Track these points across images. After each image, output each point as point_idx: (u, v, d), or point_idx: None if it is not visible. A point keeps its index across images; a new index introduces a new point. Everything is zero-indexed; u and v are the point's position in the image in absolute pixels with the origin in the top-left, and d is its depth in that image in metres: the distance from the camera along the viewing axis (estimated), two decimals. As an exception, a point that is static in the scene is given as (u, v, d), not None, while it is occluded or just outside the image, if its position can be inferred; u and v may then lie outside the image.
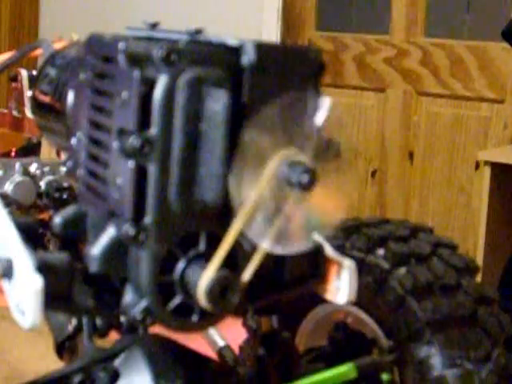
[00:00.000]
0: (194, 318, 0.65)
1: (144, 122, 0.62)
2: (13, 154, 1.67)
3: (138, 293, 0.65)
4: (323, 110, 0.63)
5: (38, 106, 0.99)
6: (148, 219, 0.63)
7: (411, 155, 3.02)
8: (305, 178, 0.60)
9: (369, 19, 3.26)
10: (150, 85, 0.62)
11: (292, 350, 1.12)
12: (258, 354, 1.06)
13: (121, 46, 0.64)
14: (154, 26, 0.72)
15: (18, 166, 1.21)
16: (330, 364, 1.10)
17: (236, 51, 0.65)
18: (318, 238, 0.66)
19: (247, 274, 0.64)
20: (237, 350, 1.31)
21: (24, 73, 1.63)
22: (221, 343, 1.34)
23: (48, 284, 0.62)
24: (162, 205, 0.63)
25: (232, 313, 0.68)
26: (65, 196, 1.18)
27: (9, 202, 1.16)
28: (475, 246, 2.56)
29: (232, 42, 0.65)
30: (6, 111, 1.70)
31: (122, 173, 0.64)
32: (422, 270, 1.18)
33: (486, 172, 2.36)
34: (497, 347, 1.15)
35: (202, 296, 0.61)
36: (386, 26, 3.08)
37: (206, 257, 0.64)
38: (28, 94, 1.60)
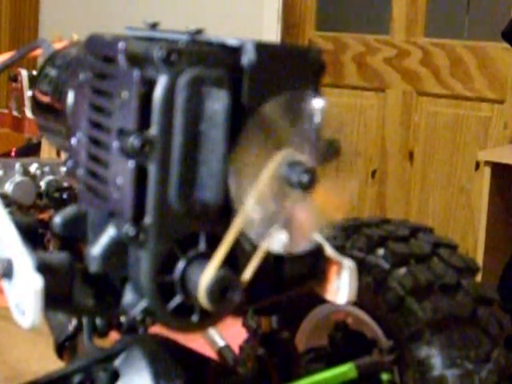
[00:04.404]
0: (194, 318, 0.65)
1: (144, 122, 0.62)
2: (13, 153, 1.67)
3: (137, 293, 0.65)
4: (323, 110, 0.63)
5: (38, 106, 0.99)
6: (148, 219, 0.63)
7: (411, 155, 3.02)
8: (305, 178, 0.60)
9: (369, 19, 3.26)
10: (150, 85, 0.62)
11: (292, 349, 1.11)
12: (258, 353, 1.06)
13: (121, 45, 0.64)
14: (153, 25, 0.72)
15: (18, 166, 1.21)
16: (330, 364, 1.10)
17: (236, 51, 0.65)
18: (318, 238, 0.66)
19: (247, 274, 0.64)
20: (237, 350, 1.31)
21: (24, 73, 1.63)
22: (221, 343, 1.33)
23: (48, 284, 0.62)
24: (162, 205, 0.63)
25: (232, 313, 0.68)
26: (65, 196, 1.17)
27: (9, 202, 1.16)
28: (475, 245, 2.56)
29: (232, 41, 0.65)
30: (6, 111, 1.70)
31: (121, 173, 0.64)
32: (422, 269, 1.18)
33: (486, 172, 2.36)
34: (497, 347, 1.15)
35: (202, 296, 0.61)
36: (386, 26, 3.08)
37: (206, 257, 0.64)
38: (28, 94, 1.60)
